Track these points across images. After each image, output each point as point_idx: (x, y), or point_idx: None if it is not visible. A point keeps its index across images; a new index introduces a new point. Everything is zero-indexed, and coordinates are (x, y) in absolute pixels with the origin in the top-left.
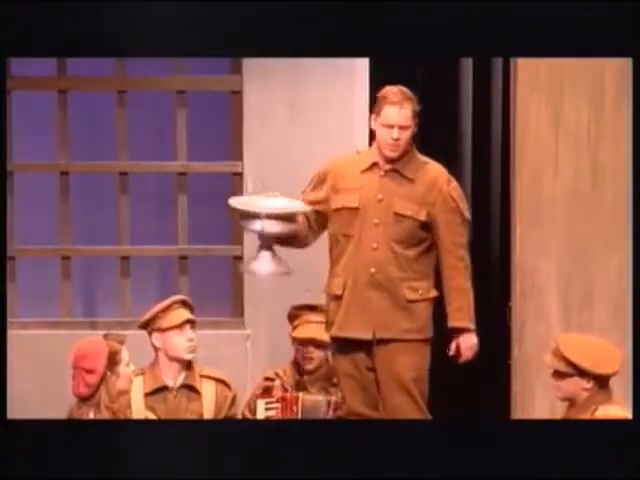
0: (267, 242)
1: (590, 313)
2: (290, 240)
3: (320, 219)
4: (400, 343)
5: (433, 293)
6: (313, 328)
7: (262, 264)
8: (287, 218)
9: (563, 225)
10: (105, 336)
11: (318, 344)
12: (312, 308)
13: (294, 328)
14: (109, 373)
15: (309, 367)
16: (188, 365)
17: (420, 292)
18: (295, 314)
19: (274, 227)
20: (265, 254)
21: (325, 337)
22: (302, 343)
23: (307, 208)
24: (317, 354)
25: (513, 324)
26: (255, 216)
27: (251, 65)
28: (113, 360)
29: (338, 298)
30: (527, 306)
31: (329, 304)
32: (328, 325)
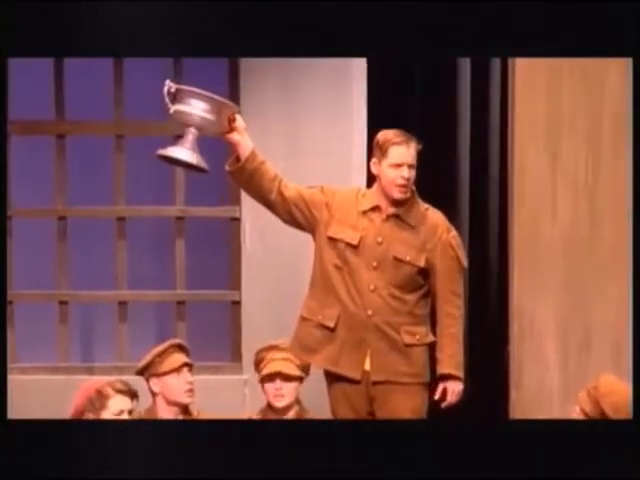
0: (193, 132)
1: (588, 356)
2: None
3: (287, 198)
4: (397, 386)
5: (430, 338)
6: (278, 363)
7: (179, 149)
8: (215, 109)
9: (561, 268)
10: (112, 382)
11: (285, 377)
12: (273, 347)
13: (261, 371)
14: (89, 414)
15: (280, 404)
16: (185, 409)
17: (417, 337)
18: (259, 359)
19: (201, 112)
20: (187, 141)
21: (292, 370)
22: (270, 378)
23: (236, 108)
24: (286, 389)
25: (511, 367)
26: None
27: (248, 106)
28: (94, 403)
29: (328, 329)
30: (525, 349)
31: (309, 330)
32: (308, 350)
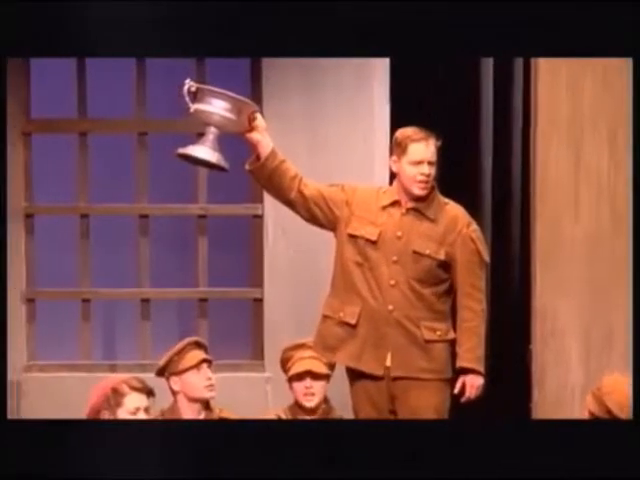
0: (214, 131)
1: (609, 355)
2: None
3: (308, 197)
4: (417, 382)
5: (452, 335)
6: (307, 362)
7: (200, 148)
8: (235, 108)
9: (583, 267)
10: (127, 379)
11: (315, 376)
12: (300, 346)
13: (288, 370)
14: (105, 412)
15: (311, 404)
16: (207, 406)
17: (438, 333)
18: (287, 357)
19: (221, 111)
20: (207, 140)
21: (320, 369)
22: (300, 377)
23: (256, 107)
24: (316, 387)
25: (533, 367)
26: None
27: (270, 106)
28: (110, 401)
29: (350, 326)
30: (547, 349)
31: (331, 328)
32: (330, 348)
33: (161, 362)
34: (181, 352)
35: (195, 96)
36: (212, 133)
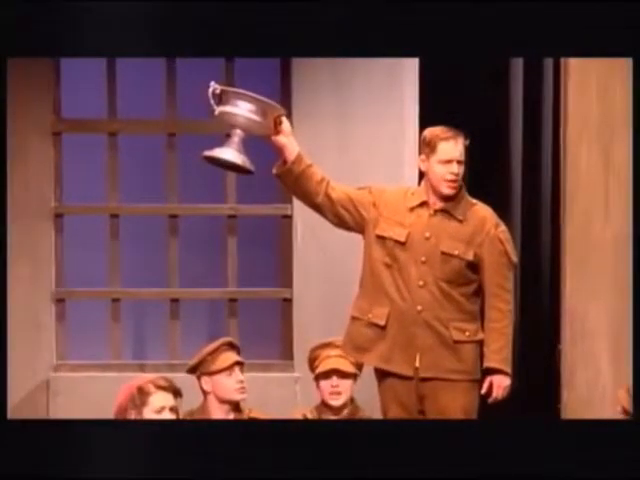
0: (239, 133)
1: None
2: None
3: (335, 200)
4: (446, 383)
5: (481, 335)
6: (334, 360)
7: (226, 150)
8: (260, 110)
9: (613, 269)
10: (153, 379)
11: (342, 374)
12: (327, 345)
13: (315, 369)
14: (132, 411)
15: (337, 402)
16: (237, 407)
17: (467, 334)
18: (314, 357)
19: (247, 113)
20: (233, 143)
21: (347, 367)
22: (326, 376)
23: (282, 110)
24: (343, 386)
25: (562, 368)
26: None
27: (300, 105)
28: (135, 401)
29: (379, 328)
30: (577, 350)
31: (360, 329)
32: (360, 349)
33: (193, 361)
34: (214, 352)
35: (220, 98)
36: (237, 135)
